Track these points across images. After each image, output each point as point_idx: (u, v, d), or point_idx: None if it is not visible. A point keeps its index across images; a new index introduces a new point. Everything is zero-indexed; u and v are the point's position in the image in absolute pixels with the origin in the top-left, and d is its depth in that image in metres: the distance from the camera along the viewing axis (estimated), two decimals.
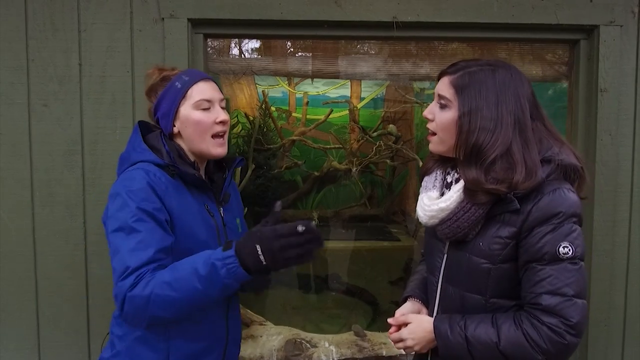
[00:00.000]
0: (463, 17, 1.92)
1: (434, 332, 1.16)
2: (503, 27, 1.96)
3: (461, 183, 1.15)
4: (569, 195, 1.08)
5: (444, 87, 1.17)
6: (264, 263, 1.08)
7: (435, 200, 1.19)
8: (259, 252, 1.07)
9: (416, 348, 1.21)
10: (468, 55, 2.26)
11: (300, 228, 1.07)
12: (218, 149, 1.33)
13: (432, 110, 1.20)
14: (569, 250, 1.06)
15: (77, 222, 1.91)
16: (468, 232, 1.14)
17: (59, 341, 1.95)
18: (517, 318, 1.09)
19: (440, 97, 1.18)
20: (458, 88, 1.14)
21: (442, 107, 1.17)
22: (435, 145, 1.21)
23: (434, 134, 1.20)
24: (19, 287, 1.94)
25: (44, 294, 1.94)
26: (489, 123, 1.10)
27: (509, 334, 1.07)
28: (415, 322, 1.23)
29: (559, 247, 1.06)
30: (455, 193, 1.15)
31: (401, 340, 1.23)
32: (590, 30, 1.98)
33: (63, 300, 1.93)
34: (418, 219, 1.24)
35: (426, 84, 4.10)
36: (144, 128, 1.38)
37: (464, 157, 1.13)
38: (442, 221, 1.16)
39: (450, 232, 1.16)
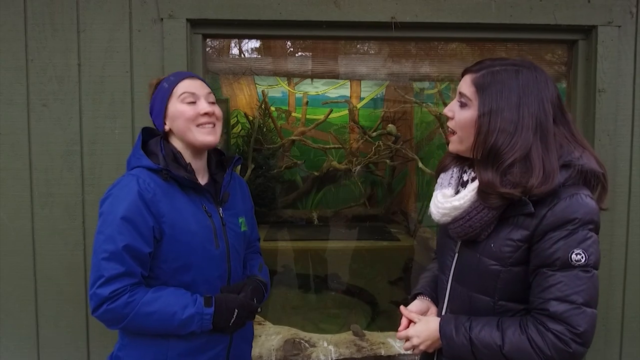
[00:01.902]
0: (461, 18, 1.92)
1: (439, 332, 1.16)
2: (501, 27, 1.96)
3: (476, 182, 1.13)
4: (586, 202, 1.05)
5: (465, 85, 1.15)
6: (231, 324, 1.32)
7: (449, 198, 1.17)
8: (234, 315, 1.32)
9: (422, 347, 1.20)
10: (467, 55, 2.27)
11: (259, 310, 1.41)
12: (207, 137, 1.35)
13: (452, 108, 1.18)
14: (582, 257, 1.03)
15: (76, 222, 1.92)
16: (480, 233, 1.13)
17: (58, 341, 1.96)
18: (523, 323, 1.08)
19: (461, 95, 1.15)
20: (479, 87, 1.11)
21: (462, 105, 1.15)
22: (455, 144, 1.19)
23: (454, 132, 1.18)
24: (19, 287, 1.94)
25: (44, 294, 1.94)
26: (509, 125, 1.07)
27: (514, 338, 1.06)
28: (422, 322, 1.23)
29: (572, 253, 1.03)
30: (469, 192, 1.13)
31: (407, 339, 1.23)
32: (588, 31, 1.99)
33: (62, 300, 1.94)
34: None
35: (426, 84, 4.10)
36: (148, 134, 1.43)
37: (481, 158, 1.11)
38: (455, 220, 1.15)
39: (462, 231, 1.14)
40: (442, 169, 1.28)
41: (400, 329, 1.26)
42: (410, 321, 1.26)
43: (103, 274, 1.22)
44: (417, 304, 1.35)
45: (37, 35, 1.87)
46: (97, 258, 1.24)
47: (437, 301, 1.34)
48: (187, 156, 1.38)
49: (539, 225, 1.06)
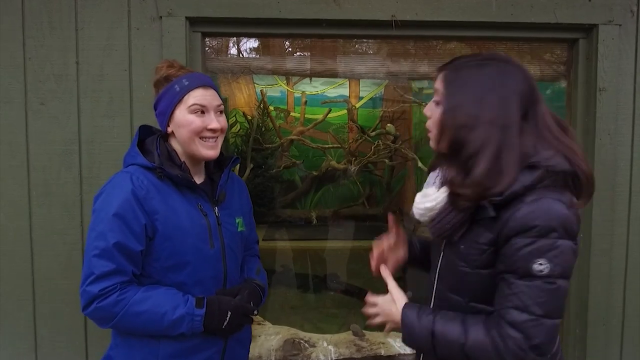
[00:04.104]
0: (461, 16, 1.92)
1: (401, 320, 1.14)
2: (502, 26, 1.96)
3: None
4: (552, 207, 1.00)
5: (437, 82, 1.16)
6: (223, 327, 1.30)
7: (423, 199, 1.17)
8: (227, 318, 1.30)
9: (377, 320, 1.19)
10: (466, 54, 2.26)
11: (255, 312, 1.39)
12: (209, 151, 1.34)
13: (429, 107, 1.18)
14: (545, 268, 0.98)
15: (74, 222, 1.90)
16: (452, 234, 1.11)
17: (56, 341, 1.94)
18: (487, 324, 1.05)
19: (435, 92, 1.16)
20: (446, 83, 1.12)
21: (437, 103, 1.15)
22: (432, 143, 1.19)
23: (430, 131, 1.19)
24: (16, 287, 1.93)
25: (41, 294, 1.93)
26: (470, 120, 1.05)
27: (477, 338, 1.04)
28: (389, 298, 1.20)
29: (534, 263, 0.99)
30: (442, 194, 1.12)
31: (373, 306, 1.21)
32: (589, 30, 1.98)
33: (60, 301, 1.92)
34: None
35: (424, 83, 4.10)
36: (146, 131, 1.41)
37: (446, 154, 1.11)
38: (431, 219, 1.15)
39: (436, 231, 1.14)
40: (431, 167, 1.28)
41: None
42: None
43: (93, 271, 1.22)
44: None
45: (34, 33, 1.86)
46: (88, 255, 1.24)
47: (414, 248, 1.35)
48: (185, 159, 1.37)
49: (502, 230, 1.03)
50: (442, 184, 1.20)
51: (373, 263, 1.31)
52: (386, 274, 1.19)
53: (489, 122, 1.04)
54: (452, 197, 1.08)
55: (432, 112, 1.17)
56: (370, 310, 1.21)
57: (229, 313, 1.30)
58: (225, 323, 1.30)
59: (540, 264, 0.98)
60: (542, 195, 1.01)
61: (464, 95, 1.07)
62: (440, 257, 1.22)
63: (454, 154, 1.08)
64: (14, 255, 1.92)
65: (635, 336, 2.05)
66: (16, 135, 1.89)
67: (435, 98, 1.16)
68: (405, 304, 1.17)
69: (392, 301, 1.19)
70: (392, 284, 1.18)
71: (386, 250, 1.32)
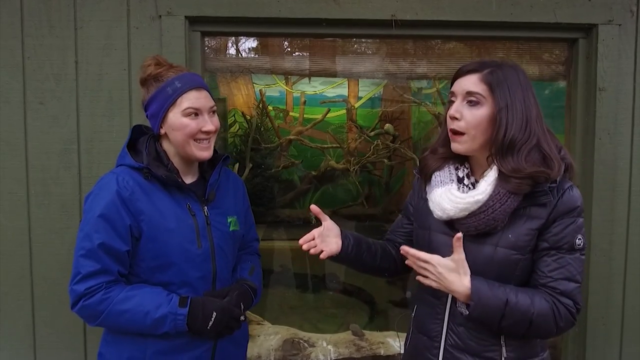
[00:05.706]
0: (462, 16, 1.92)
1: (472, 290, 1.15)
2: (502, 25, 1.96)
3: (492, 176, 1.18)
4: (577, 192, 1.20)
5: (473, 84, 1.19)
6: (208, 327, 1.29)
7: (470, 192, 1.20)
8: (212, 318, 1.29)
9: (434, 279, 1.18)
10: (465, 54, 2.26)
11: (242, 318, 1.36)
12: (203, 152, 1.35)
13: (459, 110, 1.21)
14: (581, 242, 1.18)
15: (73, 221, 1.90)
16: (499, 224, 1.18)
17: (54, 341, 1.94)
18: (543, 294, 1.17)
19: (471, 94, 1.19)
20: (493, 84, 1.17)
21: (473, 104, 1.19)
22: (465, 144, 1.21)
23: (462, 133, 1.21)
24: (15, 287, 1.92)
25: (40, 294, 1.92)
26: (521, 117, 1.16)
27: (542, 306, 1.15)
28: (457, 265, 1.17)
29: (576, 239, 1.18)
30: (488, 186, 1.18)
31: (425, 261, 1.18)
32: (588, 29, 1.98)
33: (59, 301, 1.91)
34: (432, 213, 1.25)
35: (423, 83, 4.10)
36: (140, 131, 1.42)
37: (500, 150, 1.17)
38: (472, 214, 1.19)
39: (482, 224, 1.18)
40: (436, 169, 1.30)
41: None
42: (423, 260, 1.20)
43: (80, 271, 1.25)
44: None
45: (33, 32, 1.85)
46: (76, 255, 1.27)
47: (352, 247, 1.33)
48: (177, 160, 1.38)
49: (551, 214, 1.17)
50: (458, 180, 1.26)
51: (305, 246, 1.27)
52: (457, 244, 1.17)
53: (534, 119, 1.18)
54: (507, 179, 1.16)
55: (467, 113, 1.20)
56: (423, 265, 1.19)
57: (214, 314, 1.29)
58: (211, 324, 1.29)
59: (579, 239, 1.18)
60: (570, 183, 1.21)
61: (513, 95, 1.17)
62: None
63: (510, 149, 1.16)
64: (12, 255, 1.91)
65: (635, 336, 2.05)
66: (15, 135, 1.88)
67: (471, 99, 1.19)
68: (472, 275, 1.18)
69: (454, 270, 1.17)
70: (462, 256, 1.17)
71: (317, 239, 1.28)
